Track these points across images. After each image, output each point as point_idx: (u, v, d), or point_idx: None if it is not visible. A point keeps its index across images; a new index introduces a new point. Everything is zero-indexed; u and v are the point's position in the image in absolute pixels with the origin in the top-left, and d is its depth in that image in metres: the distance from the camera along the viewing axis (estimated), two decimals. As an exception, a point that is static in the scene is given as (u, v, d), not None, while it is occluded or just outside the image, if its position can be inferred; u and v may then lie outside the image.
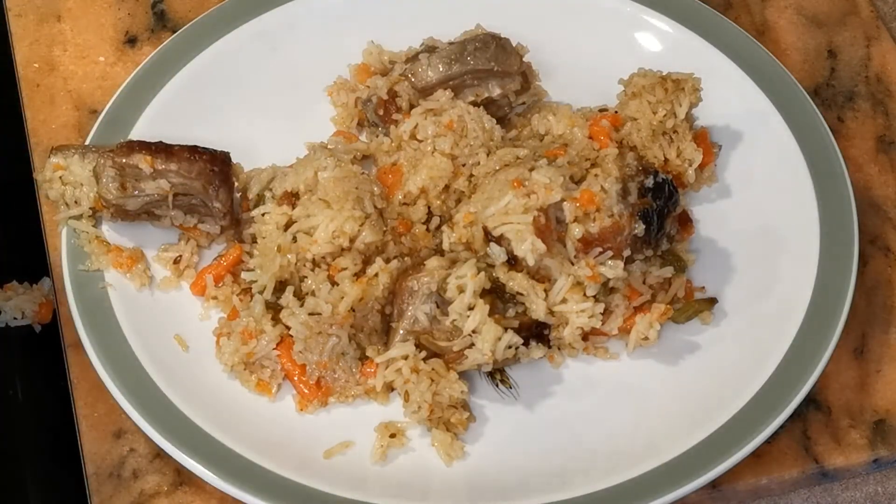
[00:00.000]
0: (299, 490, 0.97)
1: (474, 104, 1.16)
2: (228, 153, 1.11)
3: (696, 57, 1.22)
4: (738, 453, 0.98)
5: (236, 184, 1.12)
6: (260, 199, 1.12)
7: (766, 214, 1.15)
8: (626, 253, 1.05)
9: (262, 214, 1.09)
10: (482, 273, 1.01)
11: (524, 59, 1.19)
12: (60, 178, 1.11)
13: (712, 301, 1.10)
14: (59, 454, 1.15)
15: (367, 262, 1.06)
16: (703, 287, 1.11)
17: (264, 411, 1.04)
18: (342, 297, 1.02)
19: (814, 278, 1.08)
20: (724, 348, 1.07)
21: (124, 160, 1.08)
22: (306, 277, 1.05)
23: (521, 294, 1.02)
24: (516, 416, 1.05)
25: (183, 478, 1.01)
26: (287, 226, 1.07)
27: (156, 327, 1.07)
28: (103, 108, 1.20)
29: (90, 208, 1.11)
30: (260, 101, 1.24)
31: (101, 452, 1.03)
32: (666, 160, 1.14)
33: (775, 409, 1.00)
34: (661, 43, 1.26)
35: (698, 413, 1.02)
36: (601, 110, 1.18)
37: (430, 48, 1.19)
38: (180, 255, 1.12)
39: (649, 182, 1.06)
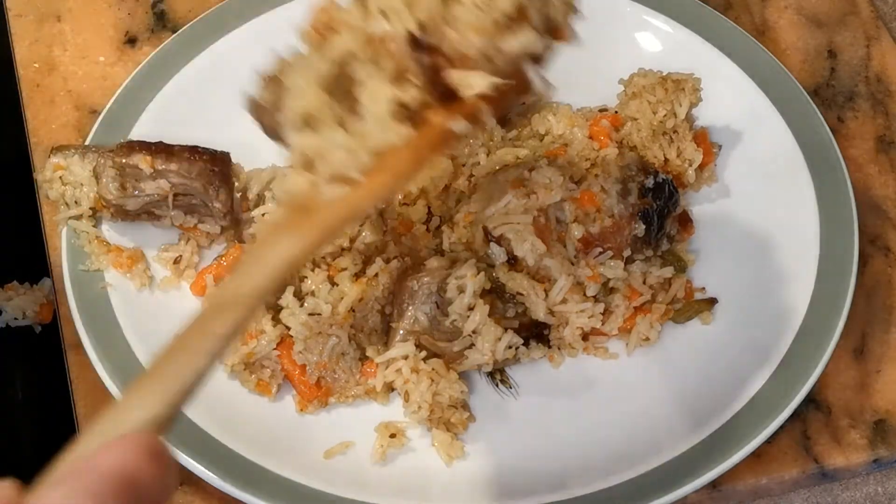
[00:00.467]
0: (299, 490, 0.97)
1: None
2: (228, 153, 1.11)
3: (696, 57, 1.22)
4: (738, 453, 0.98)
5: (236, 184, 1.12)
6: (260, 199, 1.12)
7: (766, 214, 1.15)
8: (627, 253, 1.05)
9: (262, 214, 1.09)
10: (482, 273, 1.01)
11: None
12: (60, 178, 1.11)
13: (712, 301, 1.10)
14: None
15: (367, 262, 1.06)
16: (704, 288, 1.11)
17: (264, 411, 1.04)
18: (342, 298, 1.02)
19: (814, 278, 1.08)
20: (724, 348, 1.07)
21: (124, 160, 1.08)
22: (306, 277, 1.05)
23: (521, 294, 1.02)
24: (516, 416, 1.05)
25: (183, 477, 1.01)
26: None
27: (156, 327, 1.07)
28: (103, 108, 1.20)
29: (90, 208, 1.11)
30: (260, 101, 1.24)
31: (102, 452, 1.03)
32: (666, 160, 1.14)
33: (775, 409, 1.00)
34: (661, 43, 1.26)
35: (698, 413, 1.02)
36: (601, 110, 1.18)
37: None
38: (180, 255, 1.12)
39: (649, 182, 1.06)
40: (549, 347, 1.05)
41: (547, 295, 1.03)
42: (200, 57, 1.24)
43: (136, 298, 1.09)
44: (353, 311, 1.03)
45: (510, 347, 1.01)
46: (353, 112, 0.72)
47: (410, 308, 1.03)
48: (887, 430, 1.04)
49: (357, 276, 1.05)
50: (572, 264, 1.04)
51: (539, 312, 1.02)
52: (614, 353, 1.08)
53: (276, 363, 1.05)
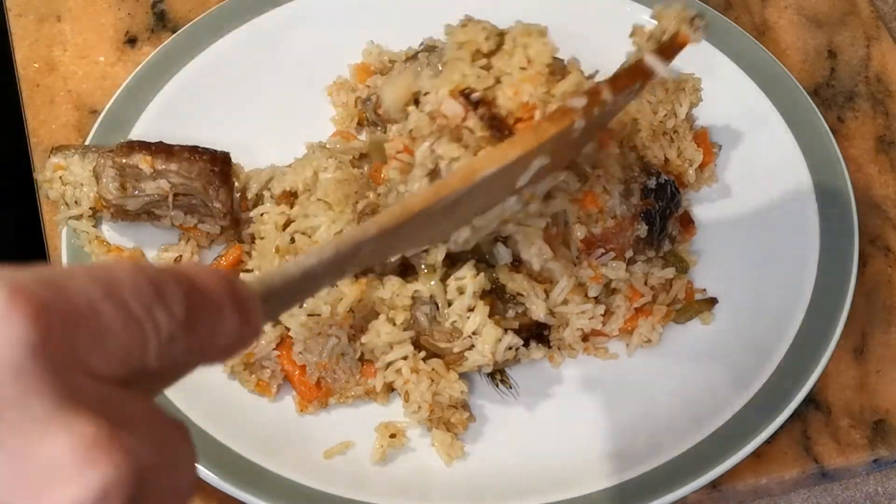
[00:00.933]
0: (299, 490, 0.97)
1: (474, 104, 1.16)
2: (228, 153, 1.11)
3: (696, 57, 1.22)
4: (738, 453, 0.98)
5: (236, 184, 1.12)
6: (259, 199, 1.12)
7: (766, 214, 1.15)
8: (629, 254, 1.05)
9: (261, 214, 1.09)
10: (482, 274, 1.01)
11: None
12: (60, 178, 1.11)
13: (712, 301, 1.10)
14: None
15: (366, 262, 1.06)
16: (704, 289, 1.11)
17: (264, 412, 1.04)
18: (341, 298, 1.02)
19: (814, 278, 1.08)
20: (724, 348, 1.07)
21: (124, 160, 1.08)
22: (306, 277, 1.05)
23: (522, 295, 1.02)
24: (516, 416, 1.05)
25: (183, 478, 1.01)
26: (285, 225, 1.07)
27: (156, 327, 1.07)
28: (103, 108, 1.20)
29: (90, 208, 1.11)
30: (260, 101, 1.24)
31: (102, 453, 1.03)
32: (666, 160, 1.14)
33: (775, 409, 1.00)
34: (661, 43, 1.26)
35: (698, 413, 1.02)
36: (601, 110, 1.18)
37: (430, 48, 1.19)
38: (180, 256, 1.12)
39: (651, 183, 1.06)
40: (550, 348, 1.05)
41: (547, 296, 1.02)
42: (200, 57, 1.24)
43: (136, 298, 1.09)
44: (353, 311, 1.03)
45: (510, 348, 1.01)
46: None
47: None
48: (887, 430, 1.04)
49: (356, 276, 1.04)
50: (575, 265, 1.04)
51: (539, 313, 1.02)
52: (614, 353, 1.08)
53: (276, 364, 1.05)
